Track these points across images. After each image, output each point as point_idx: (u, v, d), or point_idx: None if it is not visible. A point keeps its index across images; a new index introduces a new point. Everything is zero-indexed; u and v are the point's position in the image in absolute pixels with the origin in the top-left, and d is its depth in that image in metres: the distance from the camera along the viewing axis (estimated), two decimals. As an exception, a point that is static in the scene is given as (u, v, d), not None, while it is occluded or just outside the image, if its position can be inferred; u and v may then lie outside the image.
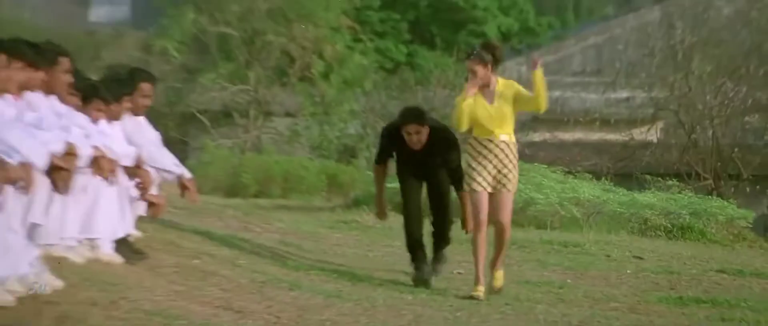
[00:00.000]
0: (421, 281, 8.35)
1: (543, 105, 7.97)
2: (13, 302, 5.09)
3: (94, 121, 7.00)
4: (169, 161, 7.89)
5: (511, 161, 8.02)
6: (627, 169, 20.99)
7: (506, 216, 8.11)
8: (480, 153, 7.99)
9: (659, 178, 17.23)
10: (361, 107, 24.31)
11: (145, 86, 8.12)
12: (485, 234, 8.05)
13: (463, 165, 8.27)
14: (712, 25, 24.13)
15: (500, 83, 8.07)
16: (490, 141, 7.97)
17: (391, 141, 8.58)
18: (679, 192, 16.10)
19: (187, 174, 7.97)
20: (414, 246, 8.61)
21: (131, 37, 28.08)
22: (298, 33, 26.07)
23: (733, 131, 22.43)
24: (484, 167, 7.97)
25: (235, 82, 25.66)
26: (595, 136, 24.22)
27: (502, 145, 8.00)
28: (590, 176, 16.99)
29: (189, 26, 26.10)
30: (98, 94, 7.13)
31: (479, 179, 7.97)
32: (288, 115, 25.41)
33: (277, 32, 25.98)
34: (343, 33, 27.73)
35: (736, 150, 21.86)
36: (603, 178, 17.24)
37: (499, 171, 7.99)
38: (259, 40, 25.92)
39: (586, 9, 52.70)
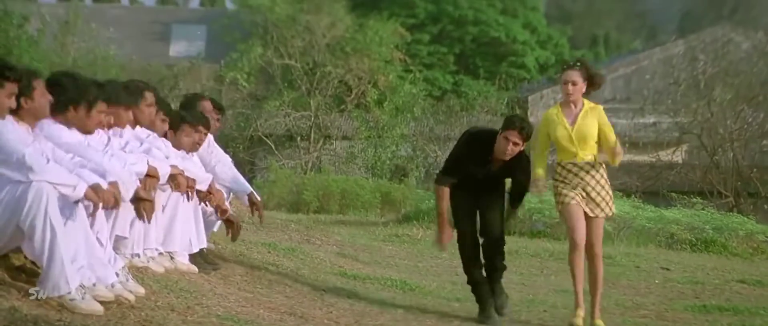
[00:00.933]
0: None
1: (616, 162, 7.04)
2: (102, 310, 5.12)
3: (186, 151, 7.08)
4: (239, 180, 7.90)
5: (598, 182, 7.03)
6: (654, 188, 20.80)
7: (597, 241, 7.03)
8: (565, 177, 7.02)
9: (684, 196, 17.08)
10: (411, 131, 24.31)
11: (207, 104, 8.10)
12: (582, 256, 7.00)
13: (553, 191, 7.14)
14: (731, 58, 24.01)
15: (586, 104, 7.07)
16: (574, 164, 6.99)
17: (471, 150, 7.22)
18: (703, 209, 15.95)
19: (256, 194, 7.94)
20: (477, 286, 7.33)
21: (205, 69, 28.31)
22: (355, 65, 26.15)
23: (752, 153, 22.25)
24: (573, 187, 6.97)
25: (297, 109, 25.76)
26: (625, 157, 23.98)
27: (587, 167, 7.00)
28: (621, 194, 16.88)
29: (256, 59, 26.26)
30: (185, 120, 7.20)
31: (570, 194, 6.97)
32: (345, 138, 25.44)
33: (336, 64, 26.08)
34: (395, 65, 27.76)
35: (754, 170, 21.64)
36: (632, 196, 17.12)
37: (588, 194, 6.99)
38: (319, 71, 26.01)
39: (615, 43, 52.55)
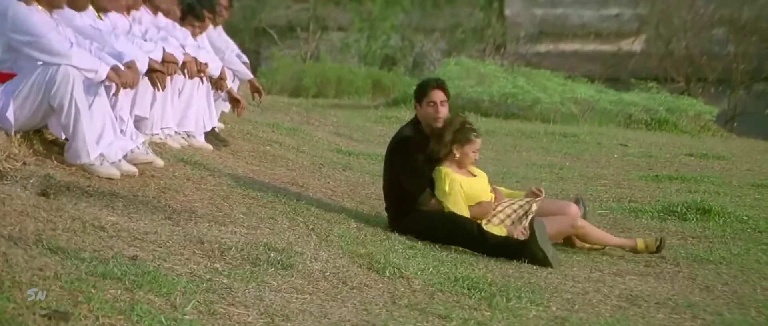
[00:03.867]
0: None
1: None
2: (118, 174, 5.21)
3: (193, 34, 7.06)
4: (243, 67, 7.89)
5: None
6: (615, 74, 20.84)
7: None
8: None
9: (642, 81, 17.14)
10: (400, 23, 24.14)
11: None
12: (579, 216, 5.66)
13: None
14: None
15: None
16: None
17: (417, 149, 5.65)
18: (658, 93, 16.04)
19: (255, 81, 7.98)
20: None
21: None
22: (350, -38, 25.74)
23: (702, 42, 22.21)
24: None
25: (298, 2, 25.48)
26: (590, 46, 23.96)
27: None
28: (586, 80, 16.95)
29: (260, -45, 25.80)
30: (192, 12, 7.16)
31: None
32: (341, 29, 25.21)
33: (334, -38, 25.68)
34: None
35: (704, 58, 21.67)
36: (596, 81, 17.15)
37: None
38: (318, -32, 25.63)
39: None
